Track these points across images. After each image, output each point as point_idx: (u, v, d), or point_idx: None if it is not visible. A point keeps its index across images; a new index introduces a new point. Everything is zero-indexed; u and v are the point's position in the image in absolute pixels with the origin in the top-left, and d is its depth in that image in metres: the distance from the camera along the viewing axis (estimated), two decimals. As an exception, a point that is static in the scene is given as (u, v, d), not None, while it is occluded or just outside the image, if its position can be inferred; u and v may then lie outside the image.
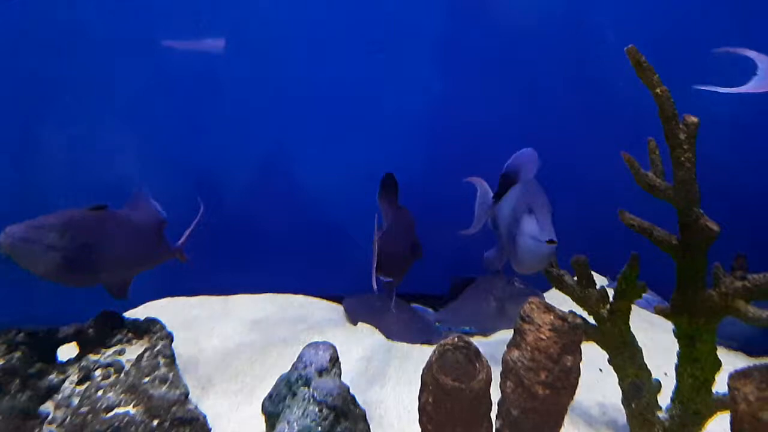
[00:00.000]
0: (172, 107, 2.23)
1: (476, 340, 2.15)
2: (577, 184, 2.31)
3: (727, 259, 1.31)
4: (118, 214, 1.68)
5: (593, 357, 1.61)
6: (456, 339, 1.14)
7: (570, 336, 1.20)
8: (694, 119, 1.24)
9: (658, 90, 1.26)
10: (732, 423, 1.02)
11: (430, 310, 2.38)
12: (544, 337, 1.18)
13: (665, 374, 1.59)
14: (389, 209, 1.91)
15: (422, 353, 1.98)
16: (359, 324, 2.24)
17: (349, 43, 2.25)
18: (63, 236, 1.47)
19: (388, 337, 2.14)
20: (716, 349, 1.34)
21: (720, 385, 1.24)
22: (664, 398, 1.44)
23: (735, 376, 1.02)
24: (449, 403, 1.09)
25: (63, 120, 2.16)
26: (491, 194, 1.90)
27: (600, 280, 2.27)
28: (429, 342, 2.09)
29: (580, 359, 1.23)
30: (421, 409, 1.15)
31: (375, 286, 1.71)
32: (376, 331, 2.18)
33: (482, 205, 1.93)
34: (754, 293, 1.23)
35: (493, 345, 2.08)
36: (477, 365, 1.12)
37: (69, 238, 1.48)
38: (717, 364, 1.33)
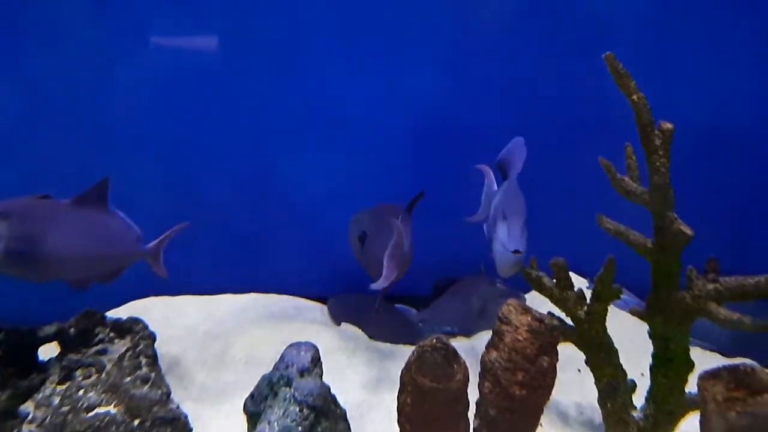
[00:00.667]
0: (160, 106, 2.22)
1: (459, 341, 2.20)
2: (568, 185, 2.34)
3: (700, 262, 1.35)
4: (68, 204, 1.60)
5: (572, 357, 1.64)
6: (434, 340, 1.16)
7: (546, 337, 1.22)
8: (669, 126, 1.28)
9: (634, 97, 1.29)
10: (701, 423, 1.05)
11: (413, 310, 2.40)
12: (521, 338, 1.21)
13: (642, 374, 1.62)
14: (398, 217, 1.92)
15: (405, 353, 1.99)
16: (343, 324, 2.25)
17: (342, 46, 2.26)
18: (6, 224, 1.40)
19: (371, 337, 2.16)
20: (689, 350, 1.37)
21: (693, 385, 1.28)
22: (640, 398, 1.48)
23: (704, 377, 1.04)
24: (427, 403, 1.11)
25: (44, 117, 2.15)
26: (495, 185, 1.92)
27: (581, 282, 2.32)
28: (412, 342, 2.10)
29: (557, 360, 1.25)
30: (400, 410, 1.17)
31: (382, 287, 1.72)
32: (360, 331, 2.20)
33: (488, 194, 1.95)
34: (726, 296, 1.26)
35: (476, 346, 2.11)
36: (455, 366, 1.14)
37: (13, 226, 1.41)
38: (690, 365, 1.37)
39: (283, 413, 1.24)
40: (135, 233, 1.78)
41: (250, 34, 2.21)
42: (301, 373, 1.35)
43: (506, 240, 1.52)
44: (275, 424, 1.22)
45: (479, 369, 1.27)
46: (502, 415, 1.20)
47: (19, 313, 1.72)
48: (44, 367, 1.48)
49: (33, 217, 1.49)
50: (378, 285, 1.70)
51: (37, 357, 1.52)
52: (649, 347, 1.42)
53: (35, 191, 1.59)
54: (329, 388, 1.34)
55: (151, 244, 1.83)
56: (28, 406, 1.39)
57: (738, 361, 1.81)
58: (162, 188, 2.27)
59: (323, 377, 1.41)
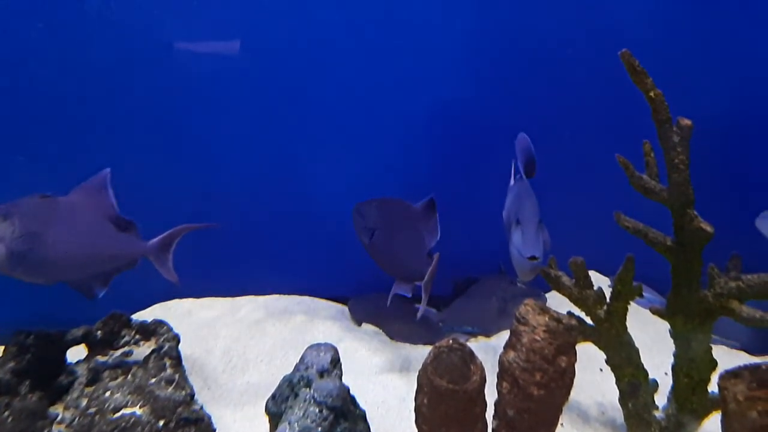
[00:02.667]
0: (178, 109, 2.25)
1: (479, 341, 2.20)
2: (589, 183, 2.32)
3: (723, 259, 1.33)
4: (68, 202, 1.58)
5: (593, 357, 1.63)
6: (450, 341, 1.16)
7: (565, 337, 1.21)
8: (687, 122, 1.26)
9: (651, 93, 1.28)
10: (722, 422, 1.04)
11: (434, 310, 2.40)
12: (538, 338, 1.20)
13: (665, 374, 1.61)
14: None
15: (424, 354, 2.00)
16: (363, 325, 2.27)
17: (354, 47, 2.27)
18: (8, 224, 1.40)
19: (391, 337, 2.17)
20: (712, 348, 1.35)
21: (716, 384, 1.26)
22: (662, 397, 1.46)
23: (725, 376, 1.03)
24: (444, 404, 1.11)
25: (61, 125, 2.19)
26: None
27: (603, 281, 2.30)
28: (431, 342, 2.11)
29: (575, 360, 1.24)
30: (417, 410, 1.17)
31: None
32: (380, 331, 2.21)
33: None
34: (749, 294, 1.25)
35: (496, 345, 2.10)
36: (471, 367, 1.14)
37: (15, 227, 1.41)
38: (712, 364, 1.35)
39: (303, 414, 1.25)
40: (135, 230, 1.74)
41: (265, 35, 2.22)
42: (321, 374, 1.36)
43: (522, 246, 1.52)
44: (295, 424, 1.24)
45: (498, 369, 1.27)
46: (520, 416, 1.20)
47: (48, 317, 1.77)
48: (72, 370, 1.53)
49: (34, 216, 1.49)
50: (419, 314, 1.81)
51: (65, 359, 1.56)
52: (672, 345, 1.41)
53: (46, 191, 1.61)
54: (348, 389, 1.35)
55: (153, 241, 1.77)
56: (57, 408, 1.44)
57: (763, 359, 1.79)
58: (181, 191, 2.30)
59: (343, 378, 1.43)
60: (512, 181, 1.93)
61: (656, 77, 1.29)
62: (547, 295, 2.36)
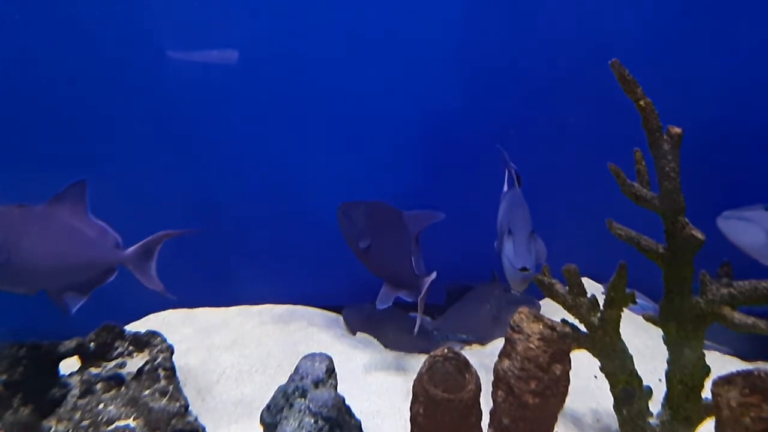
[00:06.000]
0: (171, 118, 2.25)
1: (473, 349, 2.20)
2: (581, 190, 2.34)
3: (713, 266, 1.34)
4: (43, 211, 1.59)
5: (587, 364, 1.63)
6: (445, 350, 1.17)
7: (559, 345, 1.22)
8: (677, 130, 1.27)
9: (641, 102, 1.29)
10: (716, 428, 1.05)
11: (428, 318, 2.40)
12: (533, 346, 1.21)
13: (659, 380, 1.61)
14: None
15: (419, 362, 2.00)
16: (358, 334, 2.27)
17: (349, 56, 2.28)
18: None
19: (386, 346, 2.17)
20: (705, 355, 1.36)
21: (710, 391, 1.26)
22: (657, 404, 1.47)
23: (718, 382, 1.04)
24: (439, 413, 1.11)
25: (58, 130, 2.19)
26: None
27: (596, 288, 2.31)
28: (427, 351, 2.11)
29: (570, 367, 1.25)
30: (413, 420, 1.17)
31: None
32: (375, 340, 2.21)
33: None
34: (740, 300, 1.26)
35: (490, 353, 2.10)
36: (466, 376, 1.15)
37: None
38: (706, 370, 1.36)
39: (298, 424, 1.25)
40: (112, 238, 1.73)
41: (264, 45, 2.23)
42: (316, 384, 1.36)
43: (513, 257, 1.53)
44: (291, 435, 1.23)
45: (493, 377, 1.27)
46: (515, 424, 1.20)
47: (40, 329, 1.76)
48: (65, 382, 1.52)
49: (9, 226, 1.50)
50: (416, 330, 1.83)
51: (58, 371, 1.55)
52: (666, 352, 1.41)
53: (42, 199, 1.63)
54: (343, 399, 1.35)
55: (130, 250, 1.76)
56: (50, 420, 1.43)
57: (758, 365, 1.80)
58: (176, 202, 2.30)
59: (338, 387, 1.42)
60: (505, 188, 1.94)
61: (645, 85, 1.30)
62: (541, 302, 2.37)
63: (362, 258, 2.06)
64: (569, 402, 1.39)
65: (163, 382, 1.49)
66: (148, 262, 1.79)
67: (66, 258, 1.64)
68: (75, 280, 1.69)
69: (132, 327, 1.83)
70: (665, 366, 1.43)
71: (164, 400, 1.43)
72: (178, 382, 1.53)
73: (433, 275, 1.80)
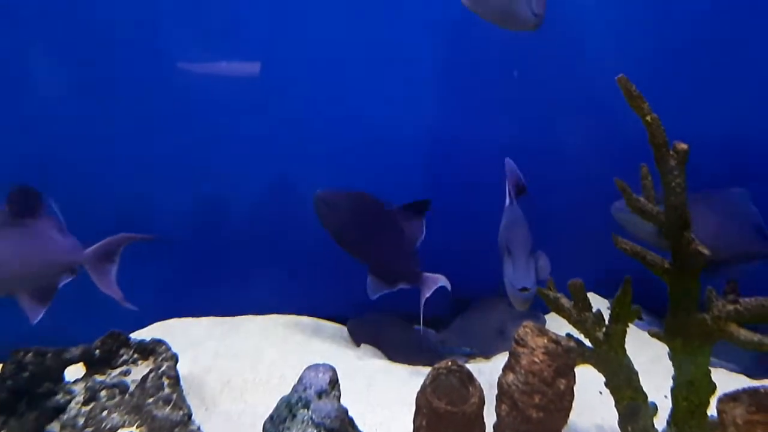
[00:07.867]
0: (177, 124, 2.26)
1: (478, 362, 2.19)
2: (587, 204, 2.33)
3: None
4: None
5: (593, 379, 1.61)
6: (449, 362, 1.17)
7: (563, 359, 1.22)
8: (683, 146, 1.27)
9: (648, 118, 1.29)
10: (721, 447, 1.04)
11: (432, 331, 2.40)
12: (537, 360, 1.21)
13: (665, 397, 1.60)
14: None
15: (423, 375, 1.99)
16: (362, 345, 2.26)
17: (346, 64, 2.29)
18: None
19: (390, 358, 2.16)
20: (710, 372, 1.35)
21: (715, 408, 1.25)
22: (661, 421, 1.45)
23: (724, 399, 1.04)
24: (443, 426, 1.11)
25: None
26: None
27: (602, 303, 2.30)
28: (431, 363, 2.09)
29: (574, 382, 1.25)
30: (416, 432, 1.17)
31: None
32: (379, 352, 2.21)
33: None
34: (746, 317, 1.25)
35: (494, 367, 2.09)
36: (470, 389, 1.15)
37: None
38: (712, 387, 1.34)
39: (301, 435, 1.25)
40: (71, 241, 1.67)
41: (267, 54, 2.25)
42: (319, 395, 1.36)
43: (513, 278, 1.53)
44: (293, 445, 1.23)
45: (497, 391, 1.27)
46: (519, 438, 1.20)
47: (45, 335, 1.77)
48: (70, 388, 1.52)
49: None
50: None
51: (63, 378, 1.56)
52: (671, 368, 1.40)
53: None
54: (347, 411, 1.35)
55: (87, 250, 1.68)
56: (54, 426, 1.43)
57: (762, 383, 1.78)
58: (182, 211, 2.31)
59: (342, 399, 1.42)
60: (508, 201, 1.94)
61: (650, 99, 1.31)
62: (546, 317, 2.36)
63: (348, 246, 2.04)
64: (573, 417, 1.38)
65: (166, 391, 1.49)
66: (106, 265, 1.71)
67: (17, 259, 1.57)
68: (35, 283, 1.62)
69: (137, 335, 1.84)
70: (669, 383, 1.42)
71: (167, 409, 1.43)
72: (182, 391, 1.54)
73: (443, 279, 1.79)
